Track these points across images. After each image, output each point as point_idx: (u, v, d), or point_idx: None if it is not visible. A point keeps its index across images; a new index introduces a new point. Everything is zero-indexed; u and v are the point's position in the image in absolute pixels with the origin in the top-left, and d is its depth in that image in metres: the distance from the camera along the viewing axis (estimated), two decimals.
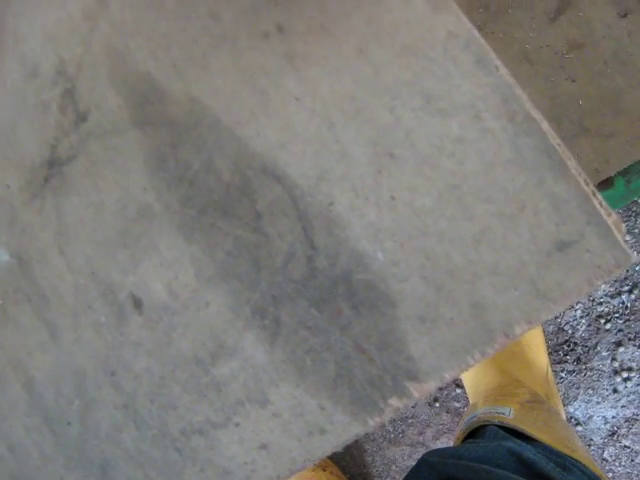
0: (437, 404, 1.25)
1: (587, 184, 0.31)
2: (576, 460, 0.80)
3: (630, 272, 1.13)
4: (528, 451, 0.75)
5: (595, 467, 0.80)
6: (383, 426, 1.28)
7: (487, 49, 0.32)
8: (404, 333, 0.33)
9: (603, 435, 1.19)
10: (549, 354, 1.18)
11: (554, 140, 0.31)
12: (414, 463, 0.84)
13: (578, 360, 1.19)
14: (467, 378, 1.14)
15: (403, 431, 1.27)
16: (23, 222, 0.40)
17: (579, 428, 1.20)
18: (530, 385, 1.04)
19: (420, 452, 1.26)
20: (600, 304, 1.16)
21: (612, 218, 0.31)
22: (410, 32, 0.33)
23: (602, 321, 1.16)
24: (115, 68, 0.38)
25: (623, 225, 0.31)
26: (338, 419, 0.35)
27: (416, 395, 0.33)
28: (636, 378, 1.17)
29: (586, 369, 1.18)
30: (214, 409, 0.37)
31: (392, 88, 0.33)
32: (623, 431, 1.18)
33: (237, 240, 0.36)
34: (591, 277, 0.31)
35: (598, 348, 1.17)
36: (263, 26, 0.35)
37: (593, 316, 1.17)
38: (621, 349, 1.16)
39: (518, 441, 0.80)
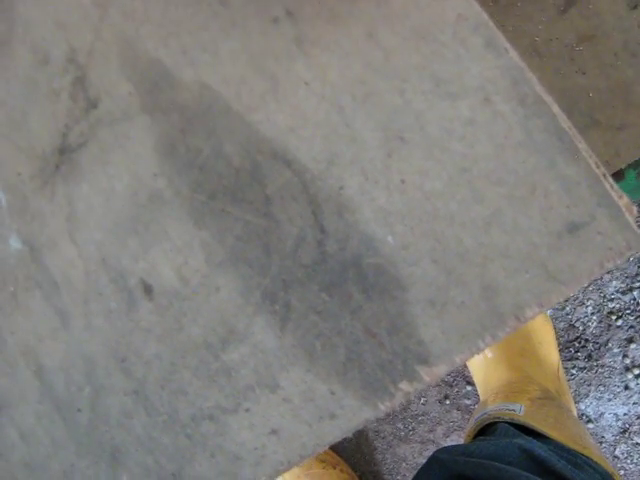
0: (448, 401, 1.25)
1: (598, 166, 0.31)
2: (588, 457, 0.79)
3: None
4: (539, 448, 0.75)
5: (607, 464, 0.80)
6: (394, 423, 1.28)
7: (496, 32, 0.32)
8: (414, 317, 0.33)
9: (615, 432, 1.18)
10: (560, 351, 1.17)
11: (565, 123, 0.31)
12: (424, 460, 0.84)
13: (589, 357, 1.18)
14: (478, 375, 1.13)
15: (414, 428, 1.27)
16: (34, 209, 0.40)
17: (590, 425, 1.19)
18: (541, 382, 1.04)
19: (431, 449, 1.26)
20: (611, 300, 1.15)
21: (623, 200, 0.31)
22: (419, 15, 0.33)
23: (613, 317, 1.16)
24: (125, 55, 0.38)
25: (634, 207, 0.31)
26: (349, 404, 0.35)
27: (427, 379, 0.33)
28: None
29: (597, 366, 1.18)
30: (224, 395, 0.37)
31: (402, 72, 0.33)
32: (635, 428, 1.17)
33: (247, 225, 0.36)
34: (602, 259, 0.31)
35: (609, 345, 1.17)
36: (272, 11, 0.35)
37: (604, 312, 1.16)
38: (632, 346, 1.15)
39: (529, 438, 0.80)
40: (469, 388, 1.23)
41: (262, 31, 0.35)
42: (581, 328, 1.18)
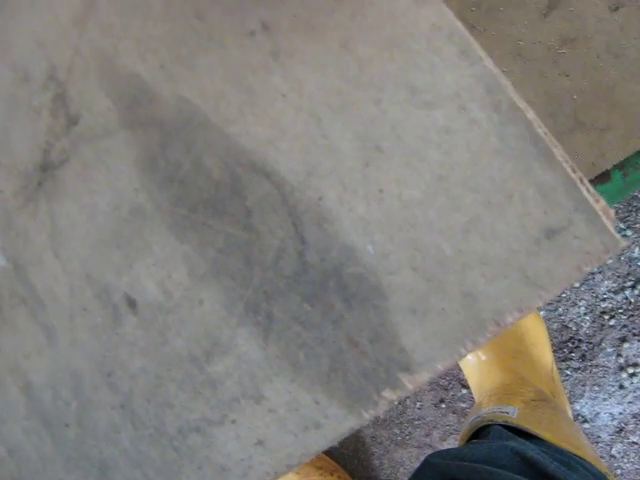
0: (443, 405, 1.25)
1: (574, 171, 0.31)
2: (581, 458, 0.79)
3: (633, 267, 1.13)
4: (532, 450, 0.75)
5: (601, 464, 0.80)
6: (390, 428, 1.28)
7: (470, 40, 0.32)
8: (396, 325, 0.33)
9: (610, 432, 1.19)
10: (554, 352, 1.18)
11: (540, 128, 0.31)
12: None
13: (583, 357, 1.18)
14: (472, 377, 1.14)
15: (410, 433, 1.27)
16: (18, 226, 0.41)
17: (586, 425, 1.20)
18: (535, 383, 1.04)
19: (427, 453, 1.26)
20: (603, 300, 1.16)
21: (600, 204, 0.31)
22: (394, 25, 0.33)
23: (606, 317, 1.16)
24: (104, 71, 0.38)
25: (611, 211, 0.31)
26: (333, 413, 0.35)
27: (409, 386, 0.34)
28: None
29: (591, 366, 1.18)
30: (210, 407, 0.37)
31: (377, 82, 0.33)
32: (630, 427, 1.17)
33: (228, 237, 0.36)
34: (580, 263, 0.31)
35: (603, 344, 1.17)
36: (248, 24, 0.35)
37: (597, 312, 1.16)
38: (626, 345, 1.15)
39: (522, 440, 0.80)
40: (464, 391, 1.23)
41: (239, 45, 0.35)
42: (574, 328, 1.18)
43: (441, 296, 0.33)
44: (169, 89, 0.37)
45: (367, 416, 0.34)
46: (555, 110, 0.64)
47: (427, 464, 0.80)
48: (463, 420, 1.23)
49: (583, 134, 0.64)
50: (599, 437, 1.19)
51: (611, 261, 1.14)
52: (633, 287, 1.13)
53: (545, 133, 0.31)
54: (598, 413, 1.19)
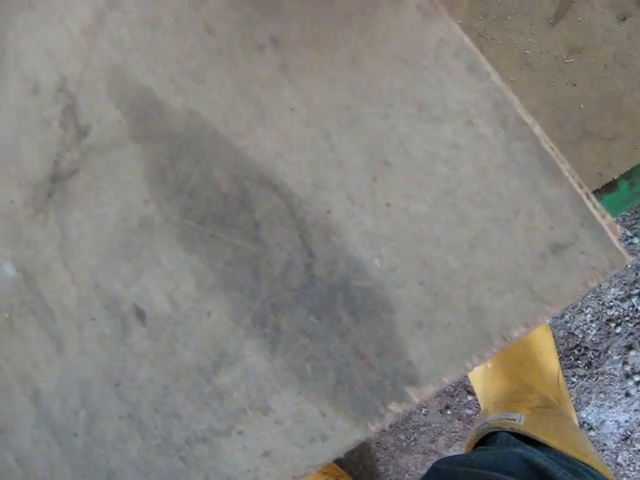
0: (449, 412, 1.25)
1: (581, 186, 0.31)
2: (588, 465, 0.79)
3: (639, 275, 1.13)
4: (539, 457, 0.75)
5: (607, 472, 0.80)
6: (396, 434, 1.28)
7: (478, 55, 0.32)
8: (402, 338, 0.34)
9: (616, 440, 1.18)
10: (560, 359, 1.17)
11: (546, 144, 0.31)
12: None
13: (589, 364, 1.18)
14: (478, 384, 1.13)
15: (415, 439, 1.27)
16: (27, 237, 0.41)
17: (592, 433, 1.19)
18: (541, 390, 1.04)
19: (433, 460, 1.26)
20: (610, 308, 1.16)
21: (606, 220, 0.31)
22: (402, 41, 0.33)
23: (612, 325, 1.16)
24: (114, 83, 0.38)
25: (618, 226, 0.31)
26: (339, 425, 0.35)
27: (415, 400, 0.34)
28: None
29: (597, 373, 1.18)
30: (217, 417, 0.37)
31: (385, 96, 0.33)
32: (636, 435, 1.17)
33: (236, 250, 0.36)
34: (586, 279, 0.31)
35: (609, 352, 1.17)
36: (258, 39, 0.35)
37: (603, 320, 1.16)
38: (632, 353, 1.15)
39: (529, 447, 0.80)
40: (470, 398, 1.23)
41: (248, 58, 0.36)
42: (580, 336, 1.18)
43: (448, 310, 0.33)
44: (179, 102, 0.37)
45: (373, 429, 0.35)
46: (562, 119, 0.64)
47: (434, 471, 0.80)
48: (469, 427, 1.23)
49: (590, 143, 0.64)
50: (605, 445, 1.19)
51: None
52: None
53: (552, 148, 0.31)
54: (604, 421, 1.19)
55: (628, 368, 1.16)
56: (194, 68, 0.37)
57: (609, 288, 1.15)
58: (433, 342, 0.33)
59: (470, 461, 0.78)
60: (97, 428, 0.40)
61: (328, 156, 0.34)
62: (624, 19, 0.63)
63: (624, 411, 1.17)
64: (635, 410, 1.17)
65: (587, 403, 1.19)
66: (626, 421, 1.18)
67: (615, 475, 1.18)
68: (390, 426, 1.27)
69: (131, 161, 0.38)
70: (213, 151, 0.36)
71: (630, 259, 0.31)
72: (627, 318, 1.15)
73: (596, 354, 1.18)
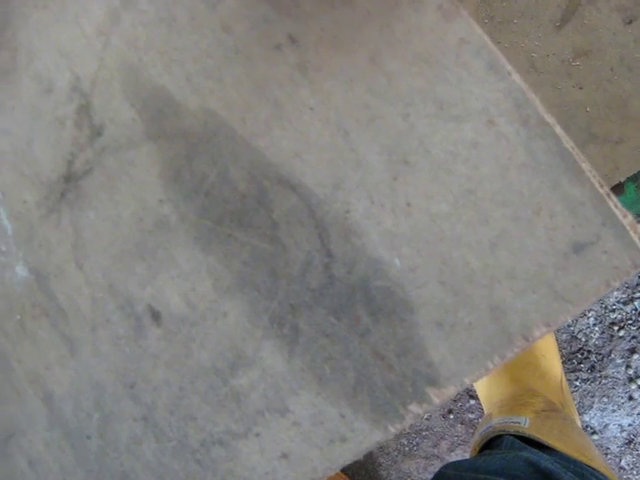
0: (451, 416, 1.24)
1: (602, 186, 0.31)
2: (594, 469, 0.79)
3: None
4: (545, 460, 0.74)
5: (613, 476, 0.80)
6: (398, 439, 1.28)
7: (498, 55, 0.32)
8: (423, 339, 0.33)
9: (620, 443, 1.18)
10: (563, 363, 1.17)
11: (568, 143, 0.31)
12: (429, 476, 0.84)
13: (592, 368, 1.18)
14: (481, 389, 1.13)
15: (418, 444, 1.26)
16: (40, 237, 0.41)
17: (595, 437, 1.19)
18: (545, 394, 1.04)
19: (435, 464, 1.25)
20: (613, 311, 1.16)
21: (628, 219, 0.31)
22: (422, 40, 0.33)
23: (615, 328, 1.16)
24: (129, 83, 0.38)
25: (639, 226, 0.31)
26: (359, 427, 0.35)
27: (436, 401, 0.33)
28: None
29: (600, 377, 1.18)
30: (234, 419, 0.37)
31: (405, 96, 0.33)
32: None
33: (254, 250, 0.36)
34: (608, 278, 0.31)
35: (612, 356, 1.17)
36: (275, 38, 0.35)
37: (606, 323, 1.16)
38: (635, 356, 1.15)
39: (535, 450, 0.80)
40: (472, 402, 1.23)
41: (265, 58, 0.35)
42: (583, 340, 1.18)
43: (469, 310, 0.33)
44: (195, 101, 0.37)
45: (393, 430, 0.34)
46: (568, 122, 0.64)
47: (441, 475, 0.80)
48: (471, 431, 1.23)
49: (596, 146, 0.64)
50: (608, 449, 1.19)
51: None
52: None
53: (572, 148, 0.31)
54: (607, 424, 1.18)
55: (631, 371, 1.16)
56: (211, 67, 0.36)
57: (612, 291, 1.15)
58: (454, 342, 0.33)
59: (476, 466, 0.78)
60: (111, 431, 0.40)
61: (347, 156, 0.34)
62: (630, 22, 0.63)
63: (627, 415, 1.17)
64: (638, 414, 1.17)
65: (590, 407, 1.19)
66: (629, 425, 1.18)
67: (619, 479, 1.18)
68: None
69: (146, 161, 0.38)
70: (230, 151, 0.36)
71: None
72: (630, 321, 1.15)
73: (599, 358, 1.18)
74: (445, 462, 1.17)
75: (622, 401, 1.17)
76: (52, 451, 0.41)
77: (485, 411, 1.11)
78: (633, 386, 1.16)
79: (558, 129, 0.31)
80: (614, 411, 1.18)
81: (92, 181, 0.39)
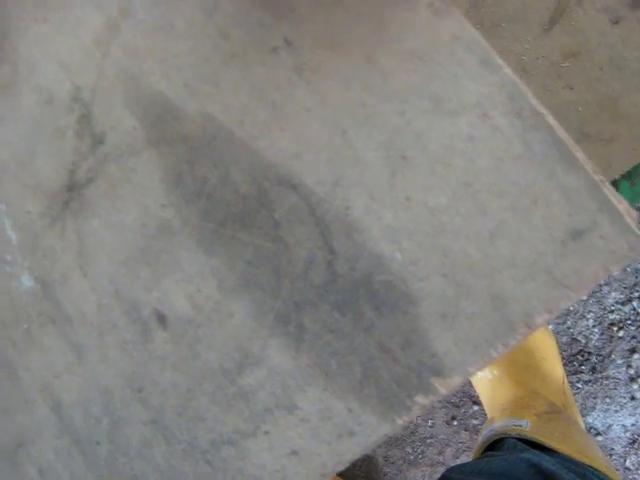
0: (455, 422, 1.24)
1: (596, 174, 0.32)
2: (596, 469, 0.79)
3: (639, 278, 1.14)
4: (547, 462, 0.75)
5: (615, 476, 0.80)
6: (403, 447, 1.27)
7: (490, 50, 0.33)
8: (427, 330, 0.34)
9: (624, 444, 1.18)
10: (564, 365, 1.18)
11: (562, 133, 0.32)
12: None
13: (593, 369, 1.18)
14: (484, 393, 1.13)
15: (422, 452, 1.26)
16: (45, 246, 0.41)
17: (599, 438, 1.19)
18: (547, 396, 1.04)
19: (441, 472, 1.25)
20: (611, 312, 1.16)
21: (623, 205, 0.31)
22: (415, 38, 0.34)
23: (615, 329, 1.16)
24: (129, 91, 0.39)
25: (634, 211, 0.32)
26: (366, 420, 0.35)
27: (442, 391, 0.34)
28: None
29: (602, 378, 1.18)
30: (243, 419, 0.37)
31: (401, 93, 0.34)
32: None
33: (257, 250, 0.36)
34: (606, 263, 0.31)
35: (613, 356, 1.17)
36: (271, 41, 0.36)
37: (605, 324, 1.17)
38: (636, 356, 1.16)
39: (537, 452, 0.80)
40: (476, 408, 1.23)
41: (262, 61, 0.36)
42: (583, 341, 1.18)
43: (471, 300, 0.33)
44: (194, 106, 0.37)
45: (400, 422, 0.35)
46: (561, 123, 0.65)
47: (444, 479, 0.80)
48: (476, 437, 1.23)
49: (589, 145, 0.65)
50: (612, 449, 1.19)
51: (617, 272, 1.14)
52: None
53: (567, 138, 0.32)
54: (610, 425, 1.19)
55: (632, 371, 1.16)
56: (208, 72, 0.37)
57: (610, 292, 1.16)
58: (457, 333, 0.33)
59: (479, 468, 0.78)
60: (120, 435, 0.40)
61: (346, 154, 0.35)
62: (617, 22, 0.64)
63: (630, 415, 1.17)
64: None
65: (593, 408, 1.19)
66: (633, 425, 1.18)
67: (624, 479, 1.18)
68: (396, 439, 1.26)
69: (148, 167, 0.38)
70: (230, 153, 0.37)
71: None
72: (629, 321, 1.15)
73: (600, 359, 1.18)
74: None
75: (624, 401, 1.18)
76: (62, 459, 0.41)
77: (488, 415, 1.11)
78: (635, 386, 1.16)
79: (551, 119, 0.32)
80: (617, 411, 1.18)
81: (95, 189, 0.40)
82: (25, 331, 0.42)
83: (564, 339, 1.19)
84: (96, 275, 0.40)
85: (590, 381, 1.19)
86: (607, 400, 1.18)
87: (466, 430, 1.24)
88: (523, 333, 0.33)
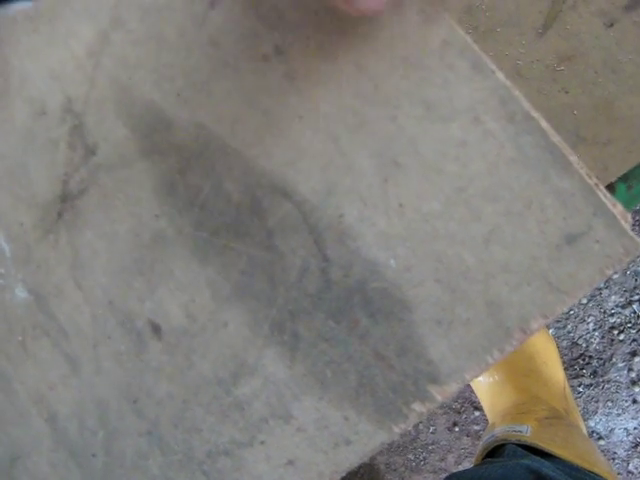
0: (457, 428, 1.24)
1: (590, 177, 0.31)
2: (596, 474, 0.79)
3: (639, 281, 1.13)
4: (547, 468, 0.74)
5: None
6: (405, 454, 1.27)
7: (481, 55, 0.33)
8: (422, 337, 0.34)
9: (626, 447, 1.18)
10: (565, 369, 1.17)
11: (554, 137, 0.32)
12: None
13: (595, 373, 1.18)
14: (485, 399, 1.13)
15: (425, 458, 1.26)
16: (38, 258, 0.41)
17: (601, 442, 1.19)
18: (548, 401, 1.04)
19: (443, 478, 1.25)
20: (612, 315, 1.16)
21: (617, 208, 0.31)
22: (406, 44, 0.34)
23: (615, 332, 1.16)
24: (121, 101, 0.39)
25: (629, 214, 0.32)
26: (363, 429, 0.35)
27: (439, 398, 0.34)
28: None
29: (603, 382, 1.18)
30: (238, 429, 0.37)
31: (393, 99, 0.34)
32: None
33: (251, 259, 0.36)
34: (602, 267, 0.31)
35: (614, 360, 1.17)
36: (262, 49, 0.36)
37: (606, 328, 1.17)
38: (637, 359, 1.15)
39: (537, 458, 0.80)
40: (477, 414, 1.23)
41: (253, 69, 0.36)
42: (584, 345, 1.18)
43: (466, 306, 0.33)
44: (186, 116, 0.37)
45: (397, 430, 0.35)
46: (556, 126, 0.65)
47: None
48: (477, 443, 1.23)
49: (585, 149, 0.65)
50: (615, 453, 1.18)
51: (617, 276, 1.14)
52: None
53: (559, 142, 0.32)
54: (613, 429, 1.18)
55: (634, 374, 1.16)
56: (200, 82, 0.37)
57: (610, 296, 1.16)
58: (453, 339, 0.33)
59: (479, 475, 0.78)
60: (116, 447, 0.40)
61: (338, 161, 0.35)
62: (611, 25, 0.64)
63: (632, 418, 1.17)
64: None
65: (595, 412, 1.19)
66: (635, 428, 1.17)
67: None
68: (398, 446, 1.26)
69: (140, 177, 0.38)
70: (223, 162, 0.37)
71: None
72: (629, 325, 1.15)
73: (601, 362, 1.18)
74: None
75: (626, 405, 1.17)
76: (58, 471, 0.41)
77: (489, 421, 1.11)
78: (636, 389, 1.16)
79: (544, 123, 0.32)
80: (619, 415, 1.18)
81: (88, 200, 0.40)
82: (19, 343, 0.42)
83: (565, 343, 1.19)
84: (90, 286, 0.40)
85: (591, 385, 1.18)
86: (609, 404, 1.18)
87: (468, 436, 1.23)
88: (519, 338, 0.32)
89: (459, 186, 0.33)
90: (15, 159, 0.41)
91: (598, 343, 1.17)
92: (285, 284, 0.36)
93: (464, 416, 1.23)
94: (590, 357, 1.18)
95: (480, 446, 0.96)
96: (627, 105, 0.63)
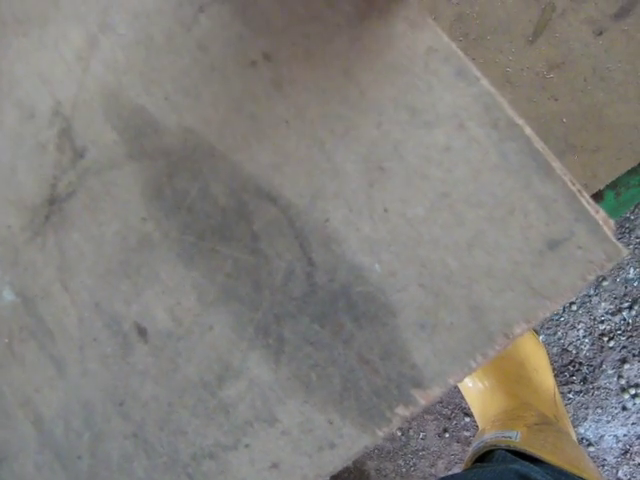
0: (447, 435, 1.24)
1: (573, 184, 0.32)
2: None
3: (629, 288, 1.14)
4: (536, 473, 0.75)
5: None
6: (394, 460, 1.27)
7: (466, 62, 0.33)
8: (406, 341, 0.34)
9: (616, 454, 1.18)
10: (555, 376, 1.18)
11: (538, 144, 0.32)
12: None
13: (584, 380, 1.18)
14: (475, 405, 1.13)
15: (415, 464, 1.26)
16: (26, 261, 0.41)
17: (591, 449, 1.19)
18: (538, 407, 1.04)
19: None
20: (602, 322, 1.16)
21: (600, 214, 0.31)
22: (392, 50, 0.34)
23: (605, 339, 1.16)
24: (109, 105, 0.39)
25: (611, 221, 0.32)
26: (347, 432, 0.35)
27: (422, 402, 0.34)
28: None
29: (593, 388, 1.18)
30: (223, 432, 0.37)
31: (378, 105, 0.34)
32: (636, 448, 1.17)
33: (236, 262, 0.37)
34: (584, 273, 0.31)
35: (603, 366, 1.17)
36: (250, 55, 0.36)
37: (596, 335, 1.17)
38: (626, 366, 1.16)
39: (526, 463, 0.80)
40: (467, 420, 1.23)
41: (241, 74, 0.36)
42: (574, 352, 1.18)
43: (449, 311, 0.33)
44: (174, 120, 0.37)
45: (381, 434, 0.35)
46: (546, 134, 0.65)
47: None
48: (467, 449, 1.23)
49: (574, 156, 0.65)
50: (605, 460, 1.19)
51: (607, 283, 1.15)
52: (630, 308, 1.14)
53: (543, 148, 0.32)
54: (602, 436, 1.18)
55: (623, 381, 1.17)
56: (188, 86, 0.37)
57: (600, 302, 1.16)
58: (436, 343, 0.33)
59: (468, 479, 0.78)
60: (102, 449, 0.40)
61: (324, 166, 0.35)
62: (600, 34, 0.64)
63: (622, 425, 1.17)
64: (633, 423, 1.17)
65: (585, 419, 1.19)
66: (624, 435, 1.17)
67: None
68: (388, 452, 1.26)
69: (128, 180, 0.39)
70: (210, 166, 0.37)
71: (626, 252, 0.32)
72: (619, 332, 1.15)
73: (591, 369, 1.18)
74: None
75: (616, 411, 1.18)
76: (43, 473, 0.41)
77: (479, 427, 1.11)
78: (626, 396, 1.16)
79: (528, 130, 0.32)
80: (608, 422, 1.18)
81: (75, 203, 0.40)
82: (6, 346, 0.42)
83: (555, 350, 1.19)
84: (77, 289, 0.40)
85: (581, 392, 1.19)
86: (599, 410, 1.18)
87: (458, 442, 1.24)
88: (502, 343, 0.33)
89: (443, 191, 0.33)
90: (4, 162, 0.41)
91: (588, 350, 1.18)
92: (270, 288, 0.36)
93: (454, 422, 1.24)
94: (580, 364, 1.19)
95: (470, 452, 0.97)
96: (616, 113, 0.64)
